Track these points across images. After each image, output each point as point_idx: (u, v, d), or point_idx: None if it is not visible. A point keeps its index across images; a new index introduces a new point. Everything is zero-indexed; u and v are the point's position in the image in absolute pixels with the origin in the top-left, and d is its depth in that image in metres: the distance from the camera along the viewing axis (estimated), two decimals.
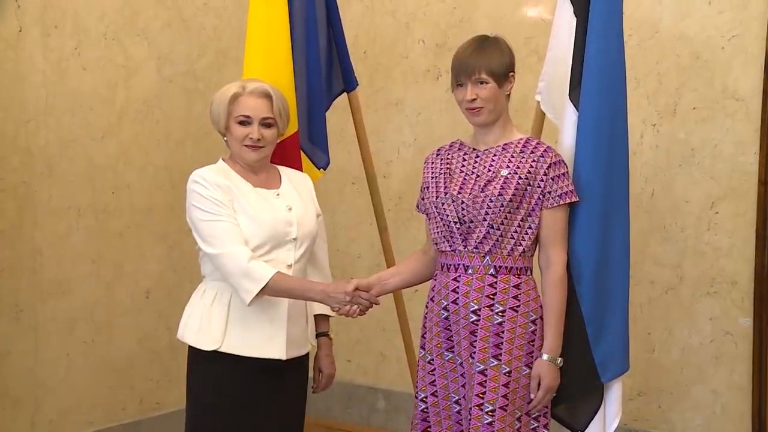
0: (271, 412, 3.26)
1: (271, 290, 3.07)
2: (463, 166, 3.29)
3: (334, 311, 3.33)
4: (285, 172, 3.42)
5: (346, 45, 4.26)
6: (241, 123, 3.17)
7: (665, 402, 4.65)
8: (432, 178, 3.34)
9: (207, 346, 3.13)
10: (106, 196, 4.91)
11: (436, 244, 3.29)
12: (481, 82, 3.12)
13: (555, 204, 3.17)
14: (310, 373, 3.45)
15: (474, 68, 3.12)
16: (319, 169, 4.14)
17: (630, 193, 3.86)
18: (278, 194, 3.31)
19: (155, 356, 5.17)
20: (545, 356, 3.15)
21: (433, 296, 3.29)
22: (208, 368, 3.16)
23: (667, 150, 4.64)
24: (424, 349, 3.31)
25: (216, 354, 3.12)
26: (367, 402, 5.67)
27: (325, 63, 4.19)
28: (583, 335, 3.24)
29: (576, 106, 3.62)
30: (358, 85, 4.31)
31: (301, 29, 4.01)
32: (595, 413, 3.31)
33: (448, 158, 3.35)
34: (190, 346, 3.20)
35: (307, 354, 3.34)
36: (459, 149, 3.35)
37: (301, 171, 4.06)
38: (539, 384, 3.16)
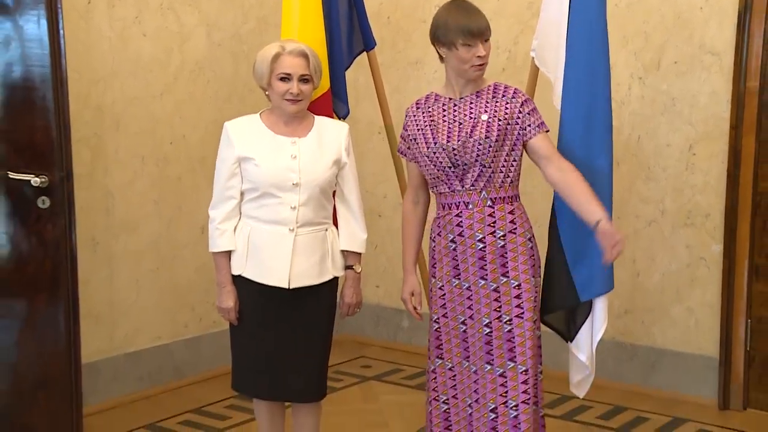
0: (293, 331, 3.36)
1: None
2: (444, 115, 3.30)
3: None
4: (321, 121, 3.43)
5: (365, 9, 4.24)
6: (282, 79, 3.21)
7: (648, 319, 4.75)
8: (418, 130, 3.33)
9: (234, 271, 3.28)
10: (165, 147, 4.98)
11: (434, 187, 3.33)
12: (486, 40, 3.16)
13: (536, 133, 3.20)
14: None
15: (483, 29, 3.12)
16: (340, 118, 4.15)
17: (619, 139, 4.02)
18: (294, 142, 3.33)
19: (211, 282, 4.98)
20: (601, 221, 3.06)
21: (440, 231, 3.31)
22: (237, 289, 3.30)
23: (651, 100, 4.70)
24: (435, 277, 3.35)
25: (240, 278, 3.28)
26: (394, 322, 5.81)
27: (346, 26, 4.20)
28: (562, 258, 3.39)
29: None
30: (375, 44, 4.30)
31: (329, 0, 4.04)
32: (581, 326, 3.43)
33: (428, 110, 3.34)
34: None
35: (333, 281, 3.38)
36: (436, 100, 3.35)
37: None
38: (611, 236, 3.05)
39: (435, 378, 3.37)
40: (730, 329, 4.76)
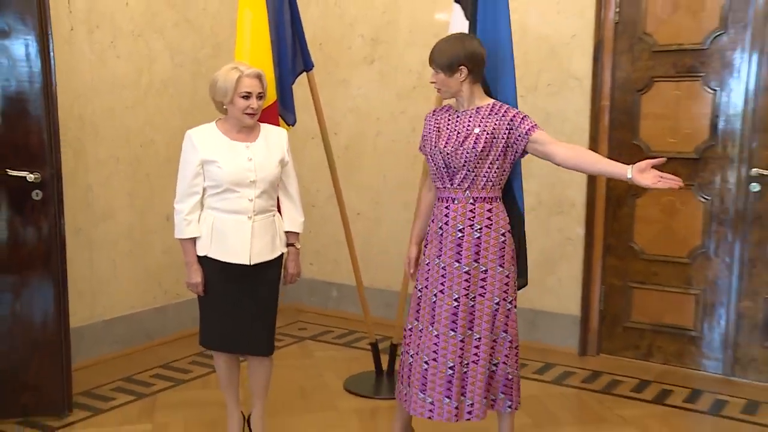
0: (250, 298, 3.43)
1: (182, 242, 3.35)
2: (448, 124, 3.32)
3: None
4: (265, 128, 3.48)
5: (305, 39, 4.29)
6: (244, 97, 3.28)
7: (531, 287, 4.85)
8: (428, 133, 3.36)
9: (200, 252, 3.35)
10: (137, 149, 4.99)
11: (434, 181, 3.37)
12: (435, 71, 3.25)
13: (531, 132, 3.19)
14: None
15: (429, 59, 3.26)
16: (289, 125, 4.16)
17: None
18: (248, 146, 3.38)
19: (175, 262, 5.14)
20: (631, 170, 3.00)
21: (434, 218, 3.38)
22: (203, 268, 3.35)
23: (531, 114, 4.66)
24: (424, 254, 3.41)
25: (206, 258, 3.35)
26: (325, 293, 5.93)
27: (291, 50, 4.21)
28: (521, 225, 3.47)
29: None
30: (314, 66, 4.34)
31: (274, 28, 4.02)
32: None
33: (438, 118, 3.37)
34: None
35: (279, 257, 3.47)
36: (447, 111, 3.39)
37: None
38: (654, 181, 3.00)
39: (408, 336, 3.45)
40: (589, 294, 5.02)
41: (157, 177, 5.16)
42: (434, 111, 3.43)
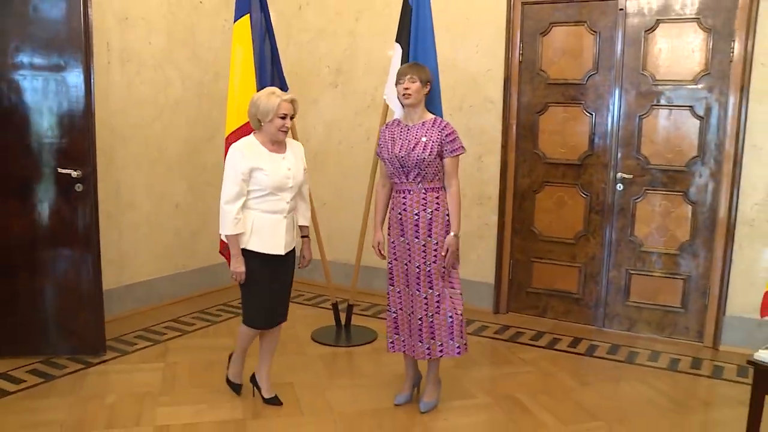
0: (279, 281, 3.49)
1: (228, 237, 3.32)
2: (401, 134, 3.45)
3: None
4: (289, 142, 3.46)
5: (282, 68, 4.38)
6: (281, 117, 3.29)
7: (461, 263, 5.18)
8: (385, 142, 3.49)
9: (240, 245, 3.34)
10: (154, 154, 5.13)
11: (391, 178, 3.51)
12: (412, 81, 3.37)
13: (450, 155, 3.43)
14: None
15: (406, 72, 3.41)
16: None
17: None
18: (284, 158, 3.37)
19: (183, 241, 5.44)
20: (452, 233, 3.46)
21: (393, 207, 3.52)
22: (245, 258, 3.36)
23: (457, 129, 4.59)
24: (389, 236, 3.56)
25: (245, 250, 3.35)
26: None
27: (269, 77, 4.28)
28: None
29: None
30: (288, 89, 4.35)
31: (258, 59, 4.15)
32: None
33: (392, 130, 3.50)
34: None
35: (294, 248, 3.54)
36: (398, 125, 3.51)
37: None
38: (450, 249, 3.46)
39: (390, 297, 3.62)
40: (500, 266, 5.28)
41: (169, 175, 5.29)
42: (387, 125, 3.57)
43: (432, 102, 3.80)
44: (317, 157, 5.92)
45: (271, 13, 4.33)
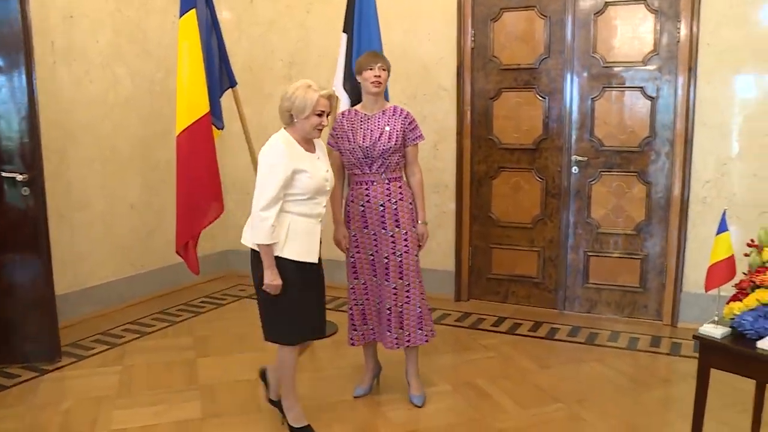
0: (314, 290, 3.19)
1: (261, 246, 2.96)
2: (362, 124, 3.40)
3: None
4: (317, 142, 3.18)
5: (229, 61, 4.39)
6: (318, 114, 2.99)
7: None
8: (343, 132, 3.40)
9: (276, 252, 2.97)
10: (107, 152, 5.05)
11: (350, 170, 3.43)
12: (383, 69, 3.34)
13: (413, 143, 3.45)
14: None
15: (378, 59, 3.36)
16: (219, 129, 4.29)
17: None
18: (318, 158, 3.12)
19: (138, 241, 5.36)
20: (422, 222, 3.49)
21: (353, 199, 3.44)
22: (278, 265, 2.98)
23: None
24: (350, 228, 3.48)
25: (279, 259, 2.99)
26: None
27: (217, 72, 4.30)
28: None
29: (348, 93, 4.10)
30: (237, 83, 4.44)
31: (206, 54, 4.16)
32: None
33: (350, 120, 3.42)
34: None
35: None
36: (356, 114, 3.44)
37: (211, 132, 4.17)
38: (424, 237, 3.51)
39: (354, 291, 3.55)
40: (460, 253, 5.29)
41: (122, 174, 5.22)
42: (343, 114, 3.49)
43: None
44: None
45: (222, 7, 4.39)
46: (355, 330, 3.62)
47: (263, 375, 3.48)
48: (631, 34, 4.68)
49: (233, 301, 5.43)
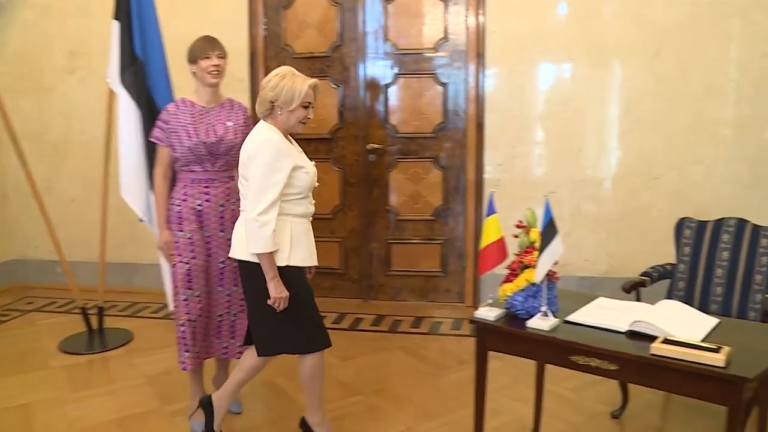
0: (311, 295, 2.88)
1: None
2: (201, 118, 3.12)
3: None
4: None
5: None
6: (305, 107, 2.74)
7: None
8: (180, 127, 3.09)
9: (281, 263, 2.71)
10: None
11: (186, 165, 3.12)
12: (220, 57, 3.12)
13: None
14: None
15: (216, 47, 3.12)
16: None
17: None
18: (300, 150, 2.86)
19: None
20: (161, 231, 3.21)
21: (186, 199, 3.13)
22: (284, 275, 2.71)
23: None
24: (182, 231, 3.13)
25: (286, 267, 2.72)
26: (50, 269, 5.44)
27: None
28: None
29: (123, 84, 3.81)
30: None
31: None
32: None
33: (185, 113, 3.11)
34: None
35: None
36: (192, 106, 3.14)
37: None
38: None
39: (188, 304, 3.13)
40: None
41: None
42: (176, 105, 3.16)
43: (159, 84, 3.57)
44: (58, 150, 5.48)
45: None
46: (188, 351, 3.17)
47: (304, 425, 3.07)
48: (422, 21, 4.72)
49: (17, 317, 4.97)
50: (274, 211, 2.66)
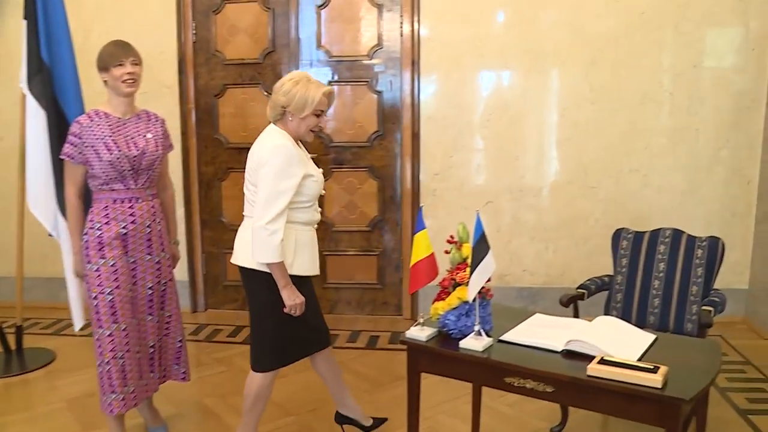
0: (314, 296, 2.86)
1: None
2: (119, 130, 2.88)
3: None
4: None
5: None
6: (318, 115, 2.68)
7: None
8: (98, 139, 2.82)
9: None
10: None
11: (106, 185, 2.87)
12: (134, 63, 2.88)
13: (169, 151, 3.08)
14: None
15: (129, 53, 2.89)
16: None
17: None
18: (309, 157, 2.79)
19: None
20: (173, 242, 3.15)
21: (108, 221, 2.86)
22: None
23: None
24: (104, 258, 2.85)
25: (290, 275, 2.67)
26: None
27: None
28: None
29: (31, 91, 3.61)
30: None
31: None
32: None
33: (106, 125, 2.85)
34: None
35: None
36: (107, 117, 2.88)
37: None
38: (176, 258, 3.17)
39: (113, 340, 2.86)
40: (193, 261, 4.97)
41: None
42: (89, 117, 2.87)
43: (68, 92, 3.43)
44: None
45: None
46: (114, 393, 2.89)
47: (340, 417, 3.13)
48: (356, 27, 4.60)
49: None
50: (283, 220, 2.59)
